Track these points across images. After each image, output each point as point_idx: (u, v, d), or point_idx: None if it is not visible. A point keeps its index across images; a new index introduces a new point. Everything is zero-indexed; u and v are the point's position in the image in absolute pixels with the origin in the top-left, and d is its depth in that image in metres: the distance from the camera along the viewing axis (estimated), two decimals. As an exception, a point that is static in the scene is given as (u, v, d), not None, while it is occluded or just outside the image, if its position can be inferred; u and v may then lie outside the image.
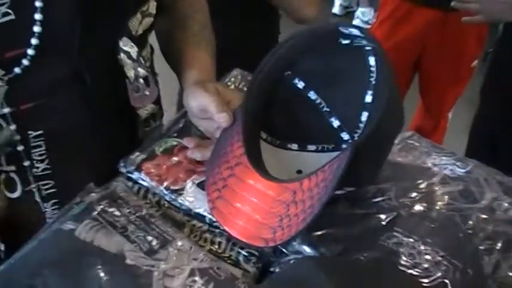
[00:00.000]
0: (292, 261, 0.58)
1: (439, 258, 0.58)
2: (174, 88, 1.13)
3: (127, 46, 0.58)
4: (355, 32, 0.59)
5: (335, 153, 0.67)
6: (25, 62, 0.52)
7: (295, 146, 0.70)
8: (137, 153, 0.70)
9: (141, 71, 0.61)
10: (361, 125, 0.66)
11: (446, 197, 0.65)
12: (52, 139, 0.59)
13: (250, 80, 0.66)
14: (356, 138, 0.66)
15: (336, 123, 0.69)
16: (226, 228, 0.61)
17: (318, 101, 0.68)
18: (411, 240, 0.60)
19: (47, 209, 0.64)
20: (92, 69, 0.56)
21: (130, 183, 0.68)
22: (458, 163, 0.71)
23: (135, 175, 0.68)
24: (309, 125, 0.69)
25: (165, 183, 0.67)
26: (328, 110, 0.68)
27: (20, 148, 0.57)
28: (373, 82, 0.64)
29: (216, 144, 0.67)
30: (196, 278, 0.57)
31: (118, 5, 0.57)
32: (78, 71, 0.55)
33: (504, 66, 1.34)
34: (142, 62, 0.62)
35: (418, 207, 0.64)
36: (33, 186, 0.61)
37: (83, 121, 0.60)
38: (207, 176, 0.66)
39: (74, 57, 0.54)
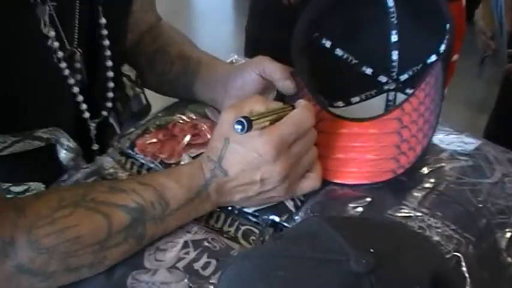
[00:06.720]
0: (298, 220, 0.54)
1: (451, 232, 0.55)
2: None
3: (127, 70, 0.69)
4: None
5: (380, 97, 0.68)
6: None
7: (341, 103, 0.69)
8: (132, 129, 0.68)
9: (138, 90, 0.71)
10: (394, 64, 0.68)
11: (455, 172, 0.62)
12: None
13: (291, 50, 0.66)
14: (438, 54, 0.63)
15: (368, 70, 0.69)
16: (340, 181, 0.58)
17: (345, 56, 0.69)
18: (420, 213, 0.57)
19: None
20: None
21: (123, 158, 0.65)
22: (466, 140, 0.68)
23: (129, 152, 0.65)
24: (345, 81, 0.69)
25: (160, 158, 0.64)
26: (357, 61, 0.69)
27: None
28: (395, 21, 0.65)
29: None
30: (190, 250, 0.53)
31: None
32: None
33: None
34: (139, 82, 0.72)
35: (426, 182, 0.60)
36: None
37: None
38: None
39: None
